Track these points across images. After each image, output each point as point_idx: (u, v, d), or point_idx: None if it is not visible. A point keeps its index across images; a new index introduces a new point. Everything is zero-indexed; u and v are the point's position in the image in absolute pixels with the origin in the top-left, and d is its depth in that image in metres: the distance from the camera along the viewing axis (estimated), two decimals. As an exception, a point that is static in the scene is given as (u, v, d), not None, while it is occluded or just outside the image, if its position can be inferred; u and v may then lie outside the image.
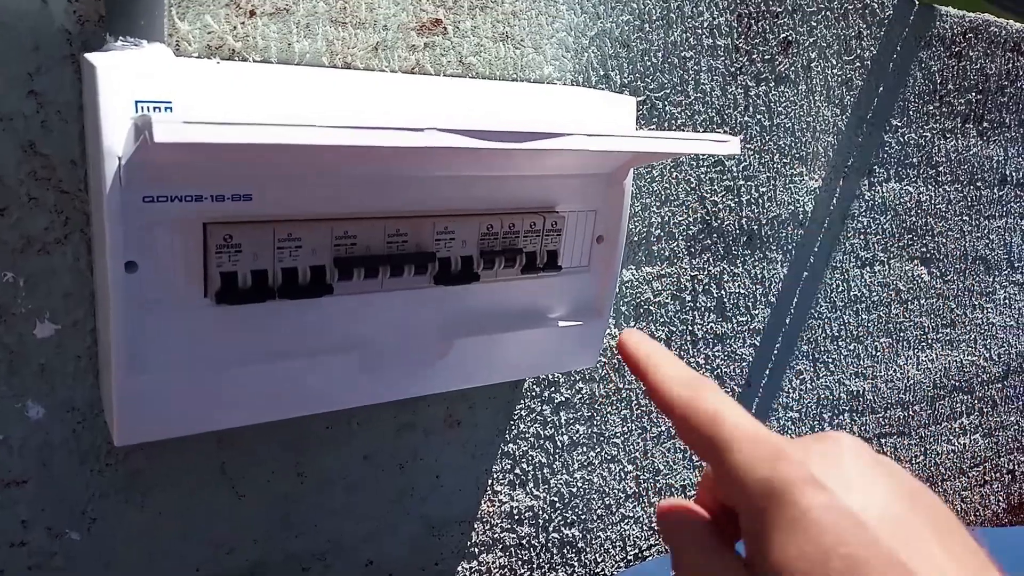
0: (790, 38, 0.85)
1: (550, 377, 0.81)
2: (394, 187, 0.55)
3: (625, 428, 0.90)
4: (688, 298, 0.89)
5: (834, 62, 0.90)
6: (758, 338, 0.98)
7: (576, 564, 0.92)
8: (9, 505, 0.57)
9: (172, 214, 0.48)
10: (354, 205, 0.54)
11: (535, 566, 0.89)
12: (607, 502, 0.92)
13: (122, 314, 0.48)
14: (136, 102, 0.45)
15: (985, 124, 1.11)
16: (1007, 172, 1.17)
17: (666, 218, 0.83)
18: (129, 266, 0.48)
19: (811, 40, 0.87)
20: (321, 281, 0.53)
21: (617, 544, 0.95)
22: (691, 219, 0.85)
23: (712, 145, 0.51)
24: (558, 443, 0.85)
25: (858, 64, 0.93)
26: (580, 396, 0.84)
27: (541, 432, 0.83)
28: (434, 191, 0.57)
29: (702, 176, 0.84)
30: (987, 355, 1.31)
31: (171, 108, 0.46)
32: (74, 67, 0.50)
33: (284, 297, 0.52)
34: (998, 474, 1.48)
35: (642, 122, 0.77)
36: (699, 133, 0.80)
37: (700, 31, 0.78)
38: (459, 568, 0.83)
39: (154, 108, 0.45)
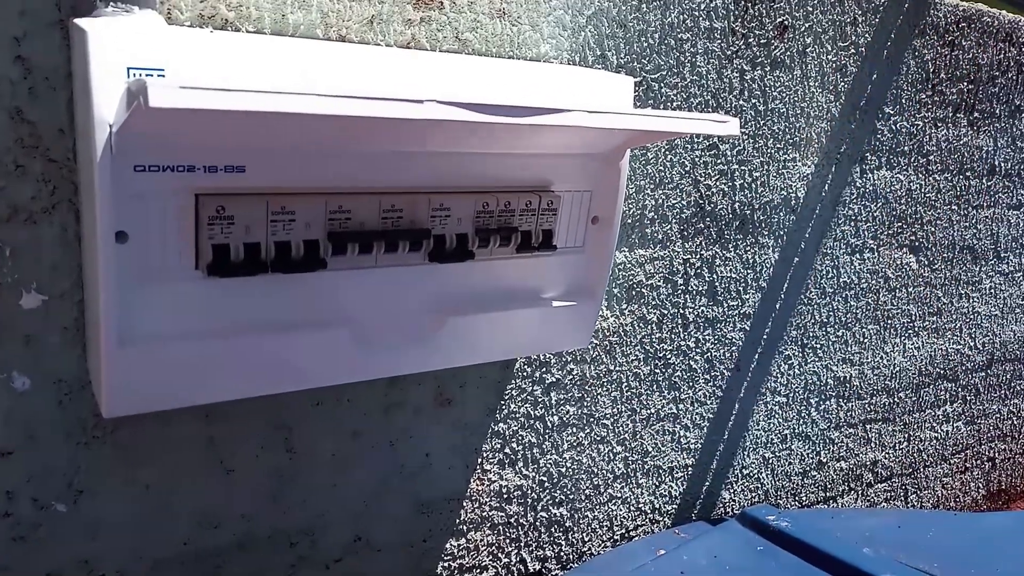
0: (786, 22, 0.85)
1: (541, 357, 0.81)
2: (390, 162, 0.55)
3: (615, 409, 0.90)
4: (680, 281, 0.89)
5: (829, 48, 0.90)
6: (748, 323, 0.98)
7: (563, 543, 0.93)
8: (-6, 476, 0.56)
9: (164, 184, 0.48)
10: (349, 180, 0.54)
11: (523, 544, 0.89)
12: (595, 482, 0.93)
13: (112, 285, 0.47)
14: (128, 68, 0.44)
15: (976, 114, 1.11)
16: (996, 162, 1.17)
17: (660, 201, 0.83)
18: (119, 236, 0.47)
19: (807, 25, 0.87)
20: (315, 255, 0.53)
21: (604, 524, 0.96)
22: (685, 202, 0.85)
23: (712, 125, 0.50)
24: (548, 423, 0.85)
25: (852, 50, 0.92)
26: (571, 377, 0.84)
27: (532, 412, 0.83)
28: (430, 167, 0.57)
29: (696, 159, 0.84)
30: (972, 344, 1.32)
31: (163, 75, 0.45)
32: (63, 33, 0.49)
33: (277, 271, 0.52)
34: (979, 461, 1.49)
35: (638, 103, 0.77)
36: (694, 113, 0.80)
37: (697, 13, 0.78)
38: (447, 545, 0.83)
39: (146, 75, 0.45)
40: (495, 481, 0.84)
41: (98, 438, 0.59)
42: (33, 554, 0.59)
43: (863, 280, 1.09)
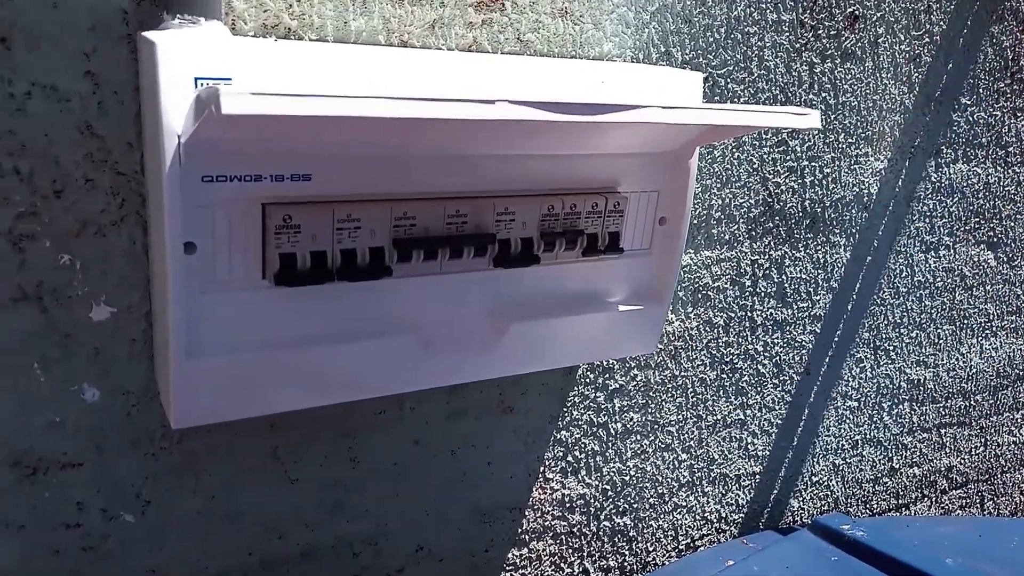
0: (857, 12, 0.82)
1: (604, 363, 0.79)
2: (454, 167, 0.54)
3: (680, 416, 0.88)
4: (748, 283, 0.86)
5: (902, 37, 0.86)
6: (818, 325, 0.95)
7: (627, 553, 0.91)
8: (64, 487, 0.57)
9: (231, 194, 0.47)
10: (414, 185, 0.53)
11: (586, 554, 0.87)
12: (660, 491, 0.90)
13: (180, 296, 0.47)
14: (196, 79, 0.44)
15: (1057, 102, 1.05)
16: (1079, 152, 1.12)
17: (727, 200, 0.80)
18: (188, 247, 0.47)
19: (879, 15, 0.83)
20: (380, 263, 0.52)
21: (669, 534, 0.94)
22: (752, 201, 0.82)
23: (792, 118, 0.48)
24: (611, 430, 0.83)
25: (927, 39, 0.88)
26: (635, 383, 0.82)
27: (594, 419, 0.81)
28: (495, 171, 0.56)
29: (765, 156, 0.81)
30: (1053, 344, 1.26)
31: (230, 85, 0.45)
32: (130, 47, 0.49)
33: (343, 279, 0.51)
34: (1061, 467, 1.43)
35: (704, 100, 0.74)
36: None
37: (764, 5, 0.75)
38: (509, 555, 0.82)
39: (213, 84, 0.44)
40: (557, 490, 0.82)
41: (165, 448, 0.59)
42: (101, 564, 0.60)
43: (938, 278, 1.05)
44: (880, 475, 1.14)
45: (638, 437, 0.85)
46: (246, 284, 0.50)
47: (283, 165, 0.48)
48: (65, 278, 0.52)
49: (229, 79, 0.44)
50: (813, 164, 0.85)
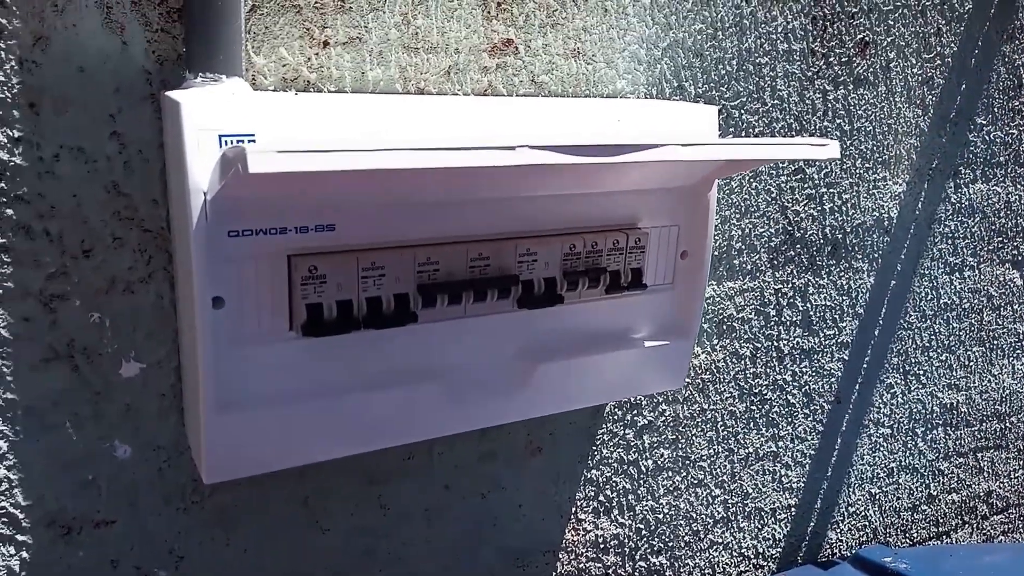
0: (867, 39, 0.82)
1: (632, 399, 0.79)
2: (475, 210, 0.54)
3: (711, 450, 0.86)
4: (772, 312, 0.85)
5: (913, 61, 0.86)
6: (846, 352, 0.94)
7: (664, 594, 0.89)
8: (98, 545, 0.56)
9: (257, 248, 0.48)
10: (436, 230, 0.53)
11: (622, 597, 0.86)
12: (695, 528, 0.89)
13: (210, 350, 0.47)
14: (220, 136, 0.44)
15: (1074, 117, 1.05)
16: (1100, 167, 1.11)
17: (747, 230, 0.80)
18: (216, 301, 0.47)
19: (889, 39, 0.84)
20: (405, 309, 0.52)
21: (706, 571, 0.92)
22: (773, 230, 0.82)
23: (810, 150, 0.48)
24: (642, 468, 0.82)
25: (938, 62, 0.89)
26: (663, 419, 0.81)
27: (624, 457, 0.80)
28: (515, 212, 0.56)
29: (783, 185, 0.81)
30: (1088, 361, 1.23)
31: (254, 140, 0.45)
32: (154, 106, 0.50)
33: (369, 327, 0.51)
34: (1104, 488, 1.39)
35: (719, 131, 0.75)
36: (792, 138, 0.78)
37: (775, 36, 0.75)
38: (544, 600, 0.80)
39: (237, 141, 0.45)
40: (590, 531, 0.81)
41: (196, 503, 0.59)
42: (138, 622, 0.59)
43: (964, 300, 1.03)
44: (918, 503, 1.11)
45: (670, 473, 0.84)
46: (274, 336, 0.50)
47: (307, 216, 0.48)
48: (95, 336, 0.52)
49: (252, 135, 0.45)
50: (831, 191, 0.85)
